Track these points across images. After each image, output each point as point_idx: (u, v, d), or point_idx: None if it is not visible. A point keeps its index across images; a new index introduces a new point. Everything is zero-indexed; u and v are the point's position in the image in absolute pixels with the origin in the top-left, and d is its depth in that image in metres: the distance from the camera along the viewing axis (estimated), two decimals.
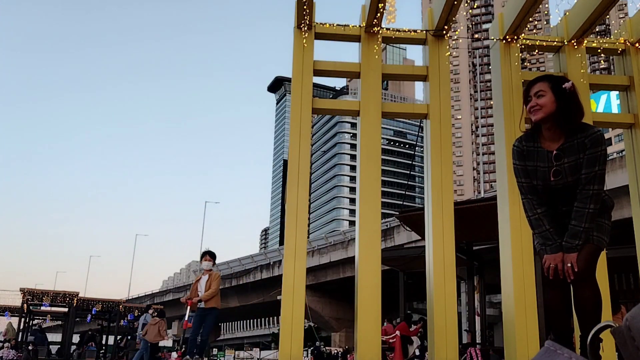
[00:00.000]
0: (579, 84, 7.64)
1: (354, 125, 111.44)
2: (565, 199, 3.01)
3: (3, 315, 26.86)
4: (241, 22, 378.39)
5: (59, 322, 38.75)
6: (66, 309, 25.25)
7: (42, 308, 25.30)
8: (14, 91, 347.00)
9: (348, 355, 30.08)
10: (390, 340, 13.03)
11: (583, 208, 2.84)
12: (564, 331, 2.97)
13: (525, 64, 8.74)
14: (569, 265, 2.82)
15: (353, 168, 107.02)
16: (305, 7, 7.33)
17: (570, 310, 3.01)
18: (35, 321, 34.08)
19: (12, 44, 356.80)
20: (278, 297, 33.55)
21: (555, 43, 7.91)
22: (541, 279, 3.15)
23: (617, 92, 11.43)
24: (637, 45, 7.78)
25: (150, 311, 15.57)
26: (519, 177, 3.10)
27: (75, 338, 28.03)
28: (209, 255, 8.74)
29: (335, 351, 37.88)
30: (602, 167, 2.87)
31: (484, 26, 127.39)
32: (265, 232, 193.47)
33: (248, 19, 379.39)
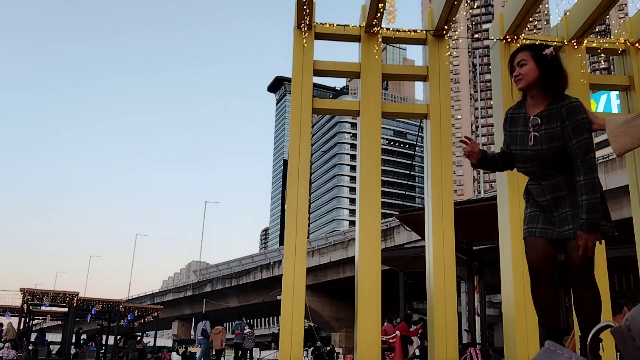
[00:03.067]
0: (579, 84, 7.65)
1: (354, 125, 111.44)
2: (541, 172, 2.94)
3: (3, 315, 26.85)
4: (241, 22, 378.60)
5: (59, 322, 38.74)
6: (66, 309, 25.25)
7: (42, 308, 25.30)
8: (12, 86, 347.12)
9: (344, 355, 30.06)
10: (390, 340, 13.03)
11: (592, 178, 2.73)
12: (555, 326, 2.89)
13: None
14: (590, 243, 2.70)
15: (353, 168, 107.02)
16: (305, 7, 7.33)
17: (559, 305, 2.94)
18: (35, 321, 34.11)
19: (6, 33, 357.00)
20: (278, 297, 33.55)
21: (555, 43, 7.90)
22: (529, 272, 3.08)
23: (617, 92, 11.43)
24: (637, 45, 7.78)
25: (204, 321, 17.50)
26: (505, 147, 3.16)
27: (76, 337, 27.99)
28: None
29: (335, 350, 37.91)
30: (590, 136, 2.81)
31: (484, 26, 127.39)
32: (265, 232, 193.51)
33: (248, 19, 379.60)
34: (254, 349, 18.50)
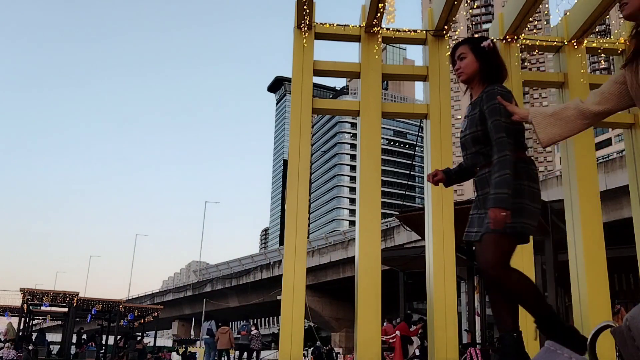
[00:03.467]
0: (579, 84, 7.65)
1: (354, 125, 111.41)
2: (470, 162, 2.94)
3: (3, 315, 26.84)
4: (241, 22, 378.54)
5: (59, 322, 38.75)
6: (66, 309, 25.24)
7: (42, 308, 25.28)
8: (12, 86, 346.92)
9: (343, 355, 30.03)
10: (390, 340, 13.03)
11: (503, 155, 2.68)
12: (511, 329, 2.75)
13: (525, 64, 8.73)
14: (497, 218, 2.59)
15: (353, 168, 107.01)
16: (305, 7, 7.33)
17: (513, 308, 2.79)
18: (36, 321, 34.09)
19: (6, 34, 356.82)
20: (278, 297, 33.54)
21: (555, 43, 7.91)
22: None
23: None
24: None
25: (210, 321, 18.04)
26: None
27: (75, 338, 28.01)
28: None
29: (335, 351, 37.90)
30: (507, 120, 2.75)
31: (484, 26, 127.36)
32: (265, 232, 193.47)
33: (248, 19, 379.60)
34: (261, 349, 18.62)
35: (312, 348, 32.44)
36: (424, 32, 7.86)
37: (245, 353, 17.60)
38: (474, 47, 3.01)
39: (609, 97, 2.29)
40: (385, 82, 46.07)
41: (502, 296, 2.78)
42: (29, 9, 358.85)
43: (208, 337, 17.33)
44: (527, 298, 2.67)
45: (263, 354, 18.65)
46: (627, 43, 2.18)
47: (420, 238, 16.71)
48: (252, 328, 17.88)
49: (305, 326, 7.58)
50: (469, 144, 2.92)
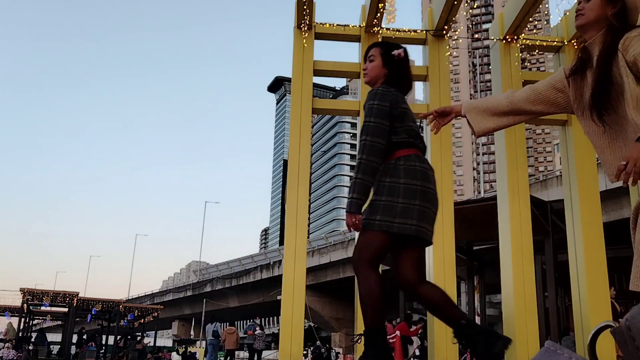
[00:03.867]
0: None
1: (354, 125, 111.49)
2: None
3: (3, 315, 26.86)
4: (241, 22, 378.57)
5: (59, 322, 38.76)
6: (66, 309, 25.25)
7: (42, 308, 25.30)
8: (12, 86, 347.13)
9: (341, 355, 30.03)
10: (390, 340, 13.03)
11: (358, 159, 2.69)
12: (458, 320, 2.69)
13: (526, 64, 8.73)
14: (348, 222, 2.61)
15: (353, 168, 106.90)
16: (305, 7, 7.33)
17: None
18: (36, 321, 34.09)
19: (6, 33, 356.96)
20: (278, 297, 33.54)
21: (555, 43, 7.91)
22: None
23: None
24: None
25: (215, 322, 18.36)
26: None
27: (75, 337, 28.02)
28: None
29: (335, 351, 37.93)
30: (375, 120, 2.71)
31: (484, 26, 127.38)
32: (265, 232, 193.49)
33: (248, 19, 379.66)
34: (263, 350, 18.77)
35: (312, 348, 32.48)
36: (424, 32, 7.87)
37: (253, 353, 17.81)
38: (384, 53, 3.01)
39: (543, 100, 2.27)
40: None
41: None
42: (28, 9, 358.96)
43: (213, 338, 17.54)
44: (368, 304, 2.65)
45: (263, 353, 18.70)
46: (576, 52, 2.18)
47: None
48: (257, 328, 18.04)
49: (305, 326, 7.58)
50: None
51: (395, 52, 3.00)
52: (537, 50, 8.23)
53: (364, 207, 2.69)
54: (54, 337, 37.87)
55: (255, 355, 17.76)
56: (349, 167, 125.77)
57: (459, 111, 2.55)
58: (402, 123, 2.79)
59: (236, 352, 19.35)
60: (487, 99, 2.44)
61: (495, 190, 7.96)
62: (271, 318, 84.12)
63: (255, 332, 17.72)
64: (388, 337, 13.11)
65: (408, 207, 2.63)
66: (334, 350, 38.44)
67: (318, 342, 33.67)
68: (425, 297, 2.72)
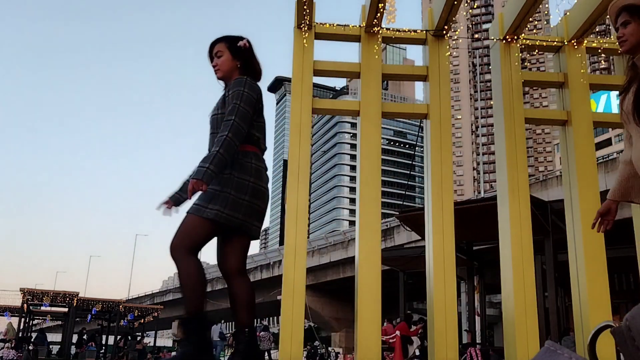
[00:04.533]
0: (579, 84, 7.66)
1: (354, 125, 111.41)
2: (211, 137, 2.94)
3: (3, 315, 26.86)
4: (241, 22, 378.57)
5: (59, 322, 38.75)
6: (66, 309, 25.25)
7: (42, 308, 25.30)
8: (12, 86, 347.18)
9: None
10: (390, 340, 13.03)
11: (222, 135, 2.67)
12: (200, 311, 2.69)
13: (525, 64, 8.75)
14: (190, 189, 2.59)
15: (353, 168, 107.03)
16: (305, 7, 7.33)
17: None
18: (36, 321, 34.06)
19: None
20: (278, 297, 33.52)
21: (555, 43, 7.91)
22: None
23: (617, 92, 11.44)
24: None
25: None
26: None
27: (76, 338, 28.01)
28: None
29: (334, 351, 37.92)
30: (244, 106, 2.76)
31: (484, 26, 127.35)
32: (265, 232, 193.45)
33: (248, 19, 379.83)
34: (271, 349, 19.39)
35: (308, 347, 32.53)
36: (424, 32, 7.86)
37: (264, 354, 18.11)
38: (231, 46, 3.05)
39: (626, 142, 2.51)
40: (385, 82, 46.13)
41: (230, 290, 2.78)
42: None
43: (219, 339, 18.15)
44: (189, 287, 2.67)
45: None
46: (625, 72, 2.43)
47: (420, 238, 16.73)
48: (262, 330, 18.56)
49: (305, 326, 7.58)
50: (211, 125, 2.95)
51: (241, 43, 3.06)
52: (537, 50, 8.23)
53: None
54: (54, 337, 37.85)
55: (265, 355, 18.26)
56: (349, 167, 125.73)
57: (612, 203, 2.60)
58: (258, 118, 2.88)
59: None
60: (619, 173, 2.58)
61: (495, 190, 7.95)
62: (271, 318, 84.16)
63: (260, 334, 18.08)
64: (388, 337, 13.04)
65: (238, 201, 2.69)
66: (333, 350, 38.46)
67: (317, 342, 33.67)
68: (235, 289, 2.78)
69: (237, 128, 2.70)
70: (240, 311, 2.76)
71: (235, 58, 3.03)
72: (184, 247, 2.69)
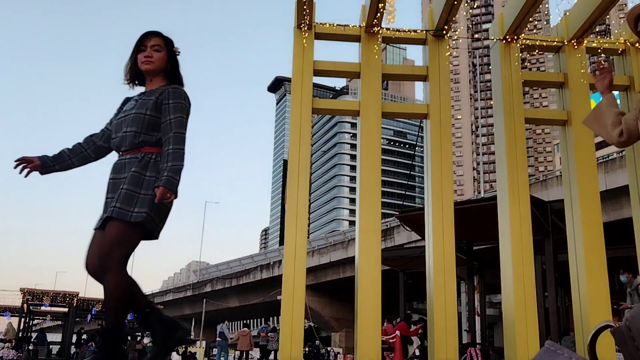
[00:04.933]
0: (579, 84, 7.66)
1: (354, 125, 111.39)
2: (131, 134, 2.88)
3: (3, 315, 26.87)
4: (241, 22, 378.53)
5: (59, 322, 38.75)
6: (66, 309, 25.26)
7: (42, 308, 25.32)
8: (12, 85, 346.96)
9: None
10: (390, 340, 13.03)
11: (179, 148, 2.78)
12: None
13: (526, 64, 8.76)
14: (159, 197, 2.63)
15: (353, 168, 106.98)
16: (305, 7, 7.33)
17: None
18: (36, 321, 34.06)
19: None
20: (278, 297, 33.52)
21: (555, 43, 7.91)
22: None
23: (617, 92, 11.42)
24: (637, 45, 7.79)
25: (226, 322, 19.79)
26: (109, 123, 3.09)
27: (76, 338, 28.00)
28: None
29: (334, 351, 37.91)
30: (186, 118, 2.89)
31: (484, 26, 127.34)
32: (265, 232, 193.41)
33: (248, 19, 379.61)
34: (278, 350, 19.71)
35: (308, 348, 32.55)
36: (424, 32, 7.86)
37: (267, 354, 18.62)
38: (168, 46, 3.06)
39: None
40: (385, 82, 46.13)
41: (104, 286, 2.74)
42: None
43: (220, 339, 18.56)
44: (120, 299, 2.68)
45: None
46: (628, 44, 2.36)
47: (420, 238, 16.73)
48: (269, 331, 18.82)
49: (305, 326, 7.58)
50: (129, 123, 2.89)
51: (176, 48, 3.09)
52: (537, 50, 8.23)
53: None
54: (54, 337, 37.85)
55: (272, 355, 18.60)
56: (349, 167, 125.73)
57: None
58: None
59: (235, 352, 20.08)
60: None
61: (495, 190, 7.95)
62: (271, 318, 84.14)
63: (268, 335, 18.42)
64: (388, 337, 13.05)
65: (158, 205, 2.72)
66: (332, 350, 38.47)
67: (317, 342, 33.67)
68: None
69: (184, 140, 2.83)
70: (137, 298, 2.80)
71: (169, 60, 3.05)
72: (116, 257, 2.66)
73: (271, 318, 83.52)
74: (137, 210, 2.67)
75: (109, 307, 2.70)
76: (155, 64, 2.99)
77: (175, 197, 2.70)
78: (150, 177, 2.76)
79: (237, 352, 18.87)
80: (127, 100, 3.10)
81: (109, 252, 2.64)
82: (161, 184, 2.65)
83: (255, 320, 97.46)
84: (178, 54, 3.10)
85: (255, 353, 19.80)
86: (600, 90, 2.51)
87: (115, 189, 2.78)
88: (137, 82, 3.10)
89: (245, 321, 20.90)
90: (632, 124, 2.28)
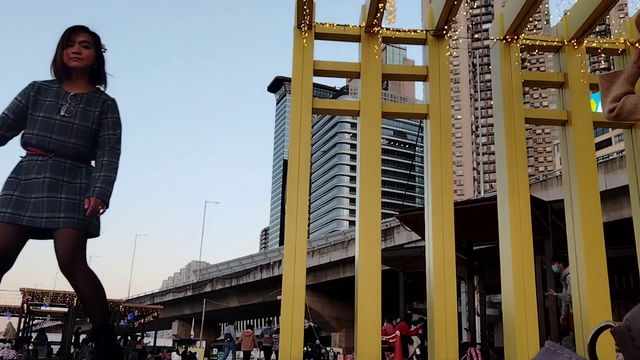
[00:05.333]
0: (579, 84, 7.66)
1: (354, 125, 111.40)
2: (57, 143, 2.86)
3: (3, 315, 26.87)
4: (241, 22, 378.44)
5: (59, 322, 38.74)
6: (66, 309, 25.26)
7: (42, 308, 25.31)
8: (12, 86, 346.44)
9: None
10: (390, 340, 13.03)
11: (115, 162, 2.90)
12: None
13: (525, 64, 8.76)
14: (92, 208, 2.75)
15: (353, 168, 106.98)
16: (305, 7, 7.33)
17: None
18: (36, 321, 34.04)
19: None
20: (278, 297, 33.53)
21: (555, 43, 7.91)
22: None
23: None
24: (637, 45, 7.78)
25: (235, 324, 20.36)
26: (8, 110, 2.97)
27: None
28: None
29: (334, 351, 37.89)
30: (120, 132, 2.99)
31: (484, 26, 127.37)
32: (265, 232, 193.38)
33: (248, 19, 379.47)
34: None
35: (309, 349, 32.54)
36: (424, 32, 7.86)
37: (268, 354, 19.07)
38: (97, 45, 3.04)
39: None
40: (385, 82, 46.10)
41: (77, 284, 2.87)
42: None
43: (228, 340, 19.16)
44: (101, 298, 2.91)
45: (263, 353, 19.81)
46: (628, 44, 2.34)
47: (420, 238, 16.72)
48: (273, 332, 19.31)
49: (305, 326, 7.58)
50: (73, 135, 2.89)
51: (104, 45, 3.09)
52: (537, 50, 8.23)
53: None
54: (54, 337, 37.84)
55: (273, 355, 19.05)
56: (349, 167, 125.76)
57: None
58: None
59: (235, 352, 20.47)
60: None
61: (495, 190, 7.95)
62: (271, 318, 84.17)
63: (273, 336, 18.85)
64: (388, 337, 13.06)
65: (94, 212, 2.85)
66: (331, 350, 38.46)
67: (317, 341, 33.66)
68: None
69: (119, 155, 2.95)
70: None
71: (97, 58, 3.04)
72: (82, 259, 2.85)
73: (271, 318, 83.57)
74: (96, 222, 2.88)
75: (93, 305, 2.85)
76: (85, 61, 2.96)
77: (107, 207, 2.83)
78: (82, 183, 2.90)
79: (242, 353, 19.45)
80: (38, 88, 2.97)
81: (76, 255, 2.81)
82: (94, 195, 2.76)
83: (256, 320, 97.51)
84: (104, 51, 3.07)
85: (255, 353, 19.97)
86: (634, 61, 2.44)
87: (55, 189, 2.83)
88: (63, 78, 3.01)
89: (247, 322, 21.41)
90: (629, 107, 2.27)
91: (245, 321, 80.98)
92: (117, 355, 2.83)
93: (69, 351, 24.16)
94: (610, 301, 6.83)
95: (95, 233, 2.89)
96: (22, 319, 24.95)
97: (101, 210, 2.79)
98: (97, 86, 3.06)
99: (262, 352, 19.42)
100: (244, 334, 18.87)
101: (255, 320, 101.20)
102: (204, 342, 46.80)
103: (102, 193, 2.77)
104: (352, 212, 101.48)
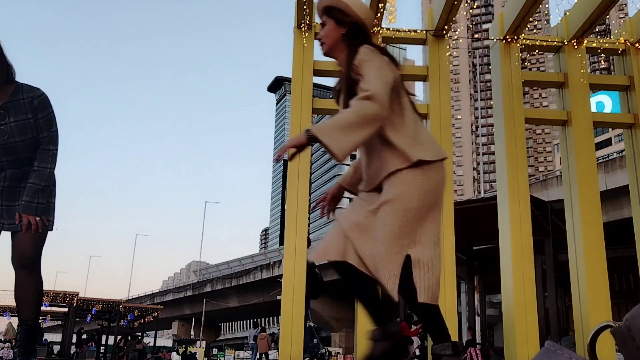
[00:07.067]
0: (579, 84, 7.65)
1: None
2: (11, 162, 2.83)
3: (3, 316, 26.86)
4: (241, 22, 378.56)
5: (59, 322, 38.74)
6: (66, 309, 25.25)
7: (42, 308, 25.26)
8: None
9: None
10: None
11: (45, 167, 2.81)
12: None
13: (526, 64, 8.75)
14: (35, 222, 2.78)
15: None
16: (305, 7, 7.33)
17: None
18: None
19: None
20: (278, 297, 33.52)
21: (555, 43, 7.91)
22: None
23: (616, 92, 11.43)
24: (637, 45, 7.78)
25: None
26: None
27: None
28: None
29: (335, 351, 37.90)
30: (57, 129, 2.87)
31: (484, 26, 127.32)
32: (265, 232, 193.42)
33: (248, 19, 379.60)
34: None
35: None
36: (424, 32, 7.86)
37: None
38: None
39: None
40: None
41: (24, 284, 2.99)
42: (27, 10, 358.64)
43: (253, 342, 20.37)
44: (38, 299, 3.08)
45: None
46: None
47: None
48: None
49: (305, 326, 7.57)
50: (15, 151, 2.82)
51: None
52: (537, 50, 8.23)
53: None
54: (54, 337, 37.84)
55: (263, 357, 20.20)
56: (349, 167, 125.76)
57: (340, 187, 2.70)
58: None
59: (235, 352, 21.11)
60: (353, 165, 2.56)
61: (495, 190, 7.95)
62: (271, 318, 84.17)
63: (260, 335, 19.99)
64: None
65: (48, 204, 2.91)
66: (331, 350, 38.41)
67: (316, 340, 33.68)
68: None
69: (55, 157, 2.88)
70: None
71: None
72: (38, 259, 2.99)
73: (271, 318, 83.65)
74: (52, 220, 2.96)
75: (35, 302, 3.02)
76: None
77: (42, 215, 2.82)
78: (47, 186, 2.92)
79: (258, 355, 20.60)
80: None
81: (36, 255, 2.95)
82: (19, 211, 2.76)
83: (255, 320, 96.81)
84: None
85: (273, 355, 20.73)
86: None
87: (13, 196, 2.87)
88: None
89: (260, 325, 22.27)
90: None
91: (260, 325, 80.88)
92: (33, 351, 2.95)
93: (69, 351, 24.15)
94: (610, 301, 6.83)
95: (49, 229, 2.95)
96: None
97: (39, 225, 2.79)
98: (13, 83, 2.83)
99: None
100: (259, 337, 19.72)
101: (255, 320, 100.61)
102: (204, 342, 46.83)
103: (26, 207, 2.77)
104: None
